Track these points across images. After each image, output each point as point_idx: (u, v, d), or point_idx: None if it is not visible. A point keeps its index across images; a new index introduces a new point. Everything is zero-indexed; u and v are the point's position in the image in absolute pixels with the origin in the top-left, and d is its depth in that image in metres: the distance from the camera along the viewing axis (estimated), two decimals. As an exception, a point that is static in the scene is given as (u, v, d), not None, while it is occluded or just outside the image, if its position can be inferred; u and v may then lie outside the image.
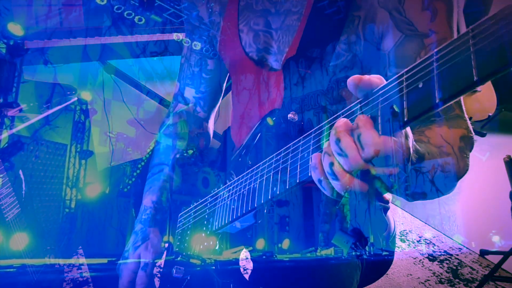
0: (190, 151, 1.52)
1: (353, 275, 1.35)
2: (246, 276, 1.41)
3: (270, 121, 1.45)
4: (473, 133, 1.09)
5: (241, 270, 1.43)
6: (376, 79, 0.69)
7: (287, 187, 0.92)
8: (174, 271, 1.33)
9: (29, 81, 1.55)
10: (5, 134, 1.55)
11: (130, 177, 1.49)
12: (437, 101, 0.57)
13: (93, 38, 2.50)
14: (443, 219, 3.86)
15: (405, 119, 0.63)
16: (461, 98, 1.12)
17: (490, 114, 4.40)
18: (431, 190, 0.95)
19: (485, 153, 3.94)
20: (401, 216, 4.12)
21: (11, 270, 1.23)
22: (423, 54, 1.07)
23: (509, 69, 0.50)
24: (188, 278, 1.36)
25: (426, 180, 0.88)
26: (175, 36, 1.55)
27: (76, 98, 2.24)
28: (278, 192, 0.96)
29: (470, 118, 4.34)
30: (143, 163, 1.48)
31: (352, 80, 0.69)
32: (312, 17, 1.29)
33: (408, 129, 0.70)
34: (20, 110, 1.81)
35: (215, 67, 1.66)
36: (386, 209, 1.44)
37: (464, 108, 1.11)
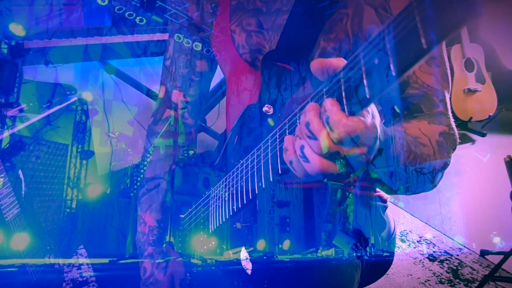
0: (191, 152, 1.51)
1: (354, 275, 1.36)
2: (247, 277, 1.41)
3: (270, 121, 1.45)
4: (456, 132, 1.09)
5: (242, 270, 1.43)
6: (337, 61, 0.69)
7: (270, 179, 0.92)
8: None
9: (31, 81, 1.55)
10: (6, 134, 1.55)
11: (134, 182, 1.49)
12: (393, 74, 0.58)
13: (93, 38, 2.51)
14: (443, 220, 3.86)
15: (368, 97, 0.63)
16: (447, 96, 1.13)
17: (491, 114, 4.40)
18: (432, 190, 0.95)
19: (486, 154, 3.94)
20: (401, 216, 4.12)
21: (13, 269, 1.23)
22: None
23: (454, 32, 0.52)
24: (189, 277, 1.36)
25: (427, 181, 0.89)
26: (176, 37, 1.55)
27: (76, 98, 2.24)
28: (263, 186, 0.96)
29: (470, 118, 4.33)
30: (145, 168, 1.48)
31: (313, 64, 0.71)
32: (312, 17, 1.29)
33: (374, 108, 0.71)
34: (21, 110, 1.81)
35: (204, 69, 1.62)
36: (384, 209, 1.44)
37: (449, 106, 1.11)
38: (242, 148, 1.36)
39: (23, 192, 1.81)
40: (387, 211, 1.45)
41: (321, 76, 0.71)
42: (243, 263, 1.43)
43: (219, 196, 1.26)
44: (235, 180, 1.14)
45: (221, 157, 1.48)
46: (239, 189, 1.11)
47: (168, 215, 1.46)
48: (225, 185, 1.20)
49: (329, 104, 0.68)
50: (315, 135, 0.69)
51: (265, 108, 1.27)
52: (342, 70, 0.67)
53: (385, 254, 1.43)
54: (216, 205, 1.27)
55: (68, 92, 2.28)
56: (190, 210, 1.44)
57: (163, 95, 1.63)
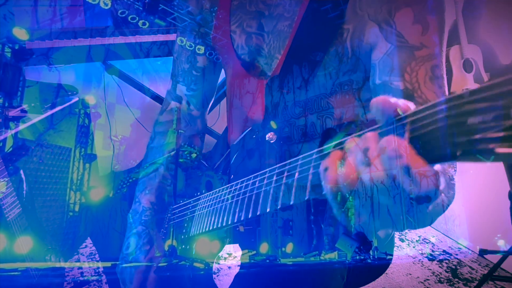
0: (194, 155, 1.52)
1: (342, 273, 1.36)
2: (249, 280, 1.41)
3: (273, 124, 1.45)
4: None
5: (245, 274, 1.43)
6: (405, 105, 0.69)
7: (291, 203, 0.96)
8: None
9: (34, 85, 1.55)
10: (9, 136, 1.55)
11: (123, 185, 1.50)
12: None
13: (95, 39, 2.50)
14: (447, 222, 3.86)
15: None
16: None
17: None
18: (435, 193, 0.95)
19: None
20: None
21: (15, 273, 1.23)
22: (413, 65, 1.10)
23: None
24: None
25: (430, 184, 0.89)
26: (179, 40, 1.56)
27: (77, 98, 2.24)
28: (279, 207, 0.99)
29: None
30: (136, 176, 1.49)
31: (379, 100, 0.70)
32: (315, 21, 1.30)
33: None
34: (22, 111, 1.81)
35: (206, 65, 1.65)
36: None
37: None
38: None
39: (24, 192, 1.81)
40: None
41: (379, 112, 0.71)
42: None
43: (226, 199, 1.26)
44: (253, 186, 1.15)
45: (223, 160, 1.48)
46: (255, 197, 1.12)
47: (166, 214, 1.47)
48: (240, 187, 1.21)
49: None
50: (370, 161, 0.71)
51: (269, 135, 1.30)
52: (410, 117, 0.66)
53: (388, 257, 1.44)
54: (222, 206, 1.27)
55: (69, 93, 2.28)
56: (184, 203, 1.45)
57: (170, 87, 1.69)
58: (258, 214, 1.03)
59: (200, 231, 1.26)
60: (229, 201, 1.11)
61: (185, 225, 1.35)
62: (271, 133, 1.32)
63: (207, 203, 1.26)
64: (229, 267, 1.37)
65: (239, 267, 1.41)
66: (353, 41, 1.22)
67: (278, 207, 0.98)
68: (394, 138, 0.68)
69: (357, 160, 0.73)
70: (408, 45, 1.11)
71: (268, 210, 1.00)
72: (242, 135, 1.39)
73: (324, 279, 1.34)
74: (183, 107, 1.66)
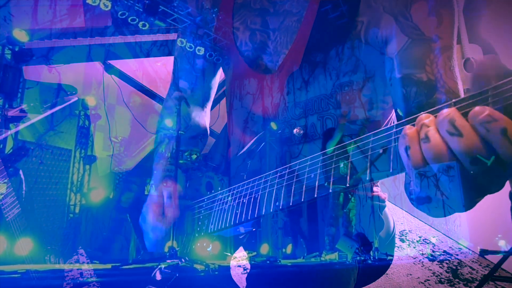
0: (194, 156, 1.51)
1: (350, 275, 1.36)
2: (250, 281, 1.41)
3: (273, 125, 1.45)
4: None
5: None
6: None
7: (291, 204, 0.97)
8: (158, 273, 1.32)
9: (34, 86, 1.55)
10: (9, 137, 1.55)
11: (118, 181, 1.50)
12: None
13: (95, 39, 2.51)
14: (447, 222, 3.85)
15: None
16: None
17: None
18: (435, 194, 0.95)
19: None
20: (400, 216, 4.12)
21: (15, 276, 1.23)
22: (432, 57, 1.11)
23: None
24: (177, 275, 1.36)
25: (431, 184, 0.88)
26: (179, 41, 1.56)
27: (76, 98, 2.24)
28: (280, 207, 1.00)
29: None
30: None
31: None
32: (315, 21, 1.30)
33: None
34: (21, 111, 1.81)
35: (204, 67, 1.66)
36: (382, 208, 1.45)
37: None
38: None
39: (23, 192, 1.81)
40: (386, 210, 1.46)
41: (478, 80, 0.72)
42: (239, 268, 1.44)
43: (227, 201, 1.26)
44: (254, 189, 1.15)
45: (225, 162, 1.48)
46: (254, 199, 1.13)
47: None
48: (241, 190, 1.21)
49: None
50: (461, 131, 0.68)
51: (296, 130, 1.31)
52: (491, 91, 0.66)
53: (389, 258, 1.43)
54: (222, 208, 1.27)
55: (68, 92, 2.28)
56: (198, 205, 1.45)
57: (172, 81, 1.72)
58: (291, 205, 1.04)
59: (221, 227, 1.26)
60: (268, 189, 1.11)
61: (199, 223, 1.35)
62: (298, 127, 1.32)
63: (231, 197, 1.26)
64: (244, 268, 1.37)
65: (248, 268, 1.41)
66: (367, 33, 1.22)
67: (315, 196, 0.98)
68: (485, 107, 0.65)
69: (445, 132, 0.69)
70: (424, 37, 1.12)
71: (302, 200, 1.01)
72: (251, 144, 1.39)
73: (329, 281, 1.34)
74: (188, 93, 1.68)
